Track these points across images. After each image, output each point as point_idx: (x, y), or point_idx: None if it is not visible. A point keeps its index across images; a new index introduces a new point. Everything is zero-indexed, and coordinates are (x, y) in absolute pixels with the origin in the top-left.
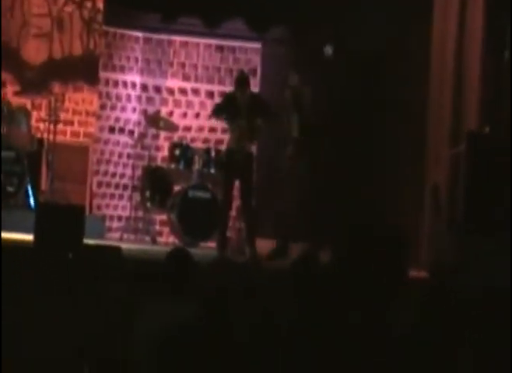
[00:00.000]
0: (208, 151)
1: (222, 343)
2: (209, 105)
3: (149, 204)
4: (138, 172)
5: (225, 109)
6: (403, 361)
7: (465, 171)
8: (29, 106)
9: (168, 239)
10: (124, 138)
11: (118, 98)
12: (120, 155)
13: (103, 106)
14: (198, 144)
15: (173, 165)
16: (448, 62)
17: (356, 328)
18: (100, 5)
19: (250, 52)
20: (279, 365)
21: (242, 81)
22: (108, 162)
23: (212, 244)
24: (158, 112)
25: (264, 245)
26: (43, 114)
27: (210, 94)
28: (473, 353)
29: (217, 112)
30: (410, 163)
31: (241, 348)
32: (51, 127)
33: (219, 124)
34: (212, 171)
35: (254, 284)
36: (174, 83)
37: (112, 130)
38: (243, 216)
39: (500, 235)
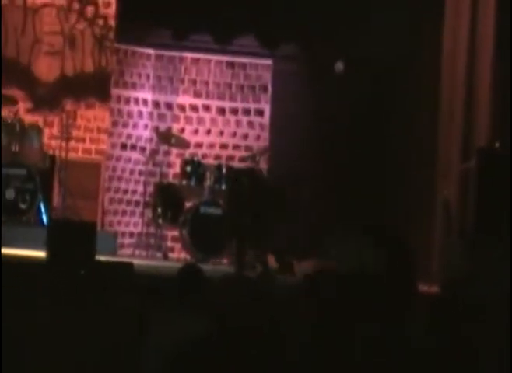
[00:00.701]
0: (219, 167)
1: (234, 357)
2: (220, 121)
3: (160, 221)
4: (150, 189)
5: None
6: None
7: (475, 185)
8: (41, 124)
9: (180, 255)
10: (135, 155)
11: (130, 115)
12: (131, 172)
13: (114, 123)
14: (210, 161)
15: (184, 182)
16: (459, 76)
17: (367, 341)
18: (112, 22)
19: (260, 68)
20: None
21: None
22: (120, 178)
23: (223, 260)
24: (169, 128)
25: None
26: (55, 131)
27: (221, 110)
28: (486, 365)
29: None
30: (421, 177)
31: (253, 363)
32: (63, 144)
33: (230, 141)
34: (224, 187)
35: (265, 299)
36: (185, 100)
37: (124, 147)
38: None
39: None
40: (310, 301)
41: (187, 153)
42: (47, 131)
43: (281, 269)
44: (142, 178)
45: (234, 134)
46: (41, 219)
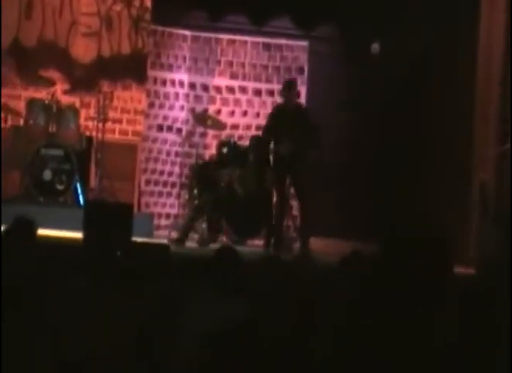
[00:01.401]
0: None
1: (269, 340)
2: (257, 103)
3: (196, 202)
4: (186, 170)
5: (271, 130)
6: (450, 359)
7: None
8: (78, 105)
9: None
10: (172, 136)
11: (166, 96)
12: (168, 153)
13: (151, 105)
14: (246, 142)
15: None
16: (495, 60)
17: (404, 327)
18: (148, 3)
19: (297, 50)
20: (329, 362)
21: (290, 87)
22: (156, 160)
23: (259, 242)
24: (205, 110)
25: (316, 243)
26: (91, 112)
27: (257, 92)
28: None
29: (265, 134)
30: (457, 161)
31: (289, 345)
32: (100, 125)
33: None
34: None
35: (303, 282)
36: (222, 81)
37: (160, 128)
38: (299, 215)
39: None
40: (347, 283)
41: (224, 135)
42: (83, 112)
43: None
44: (179, 159)
45: None
46: (78, 200)
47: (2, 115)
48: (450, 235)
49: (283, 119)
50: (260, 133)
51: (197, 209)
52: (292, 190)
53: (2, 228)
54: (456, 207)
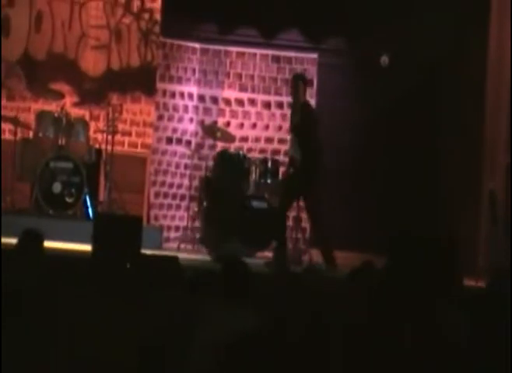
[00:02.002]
0: (264, 161)
1: (279, 350)
2: (266, 115)
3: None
4: (196, 183)
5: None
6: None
7: None
8: (87, 117)
9: None
10: (181, 149)
11: (175, 109)
12: (177, 166)
13: (160, 117)
14: (255, 155)
15: None
16: (505, 70)
17: (413, 335)
18: (158, 16)
19: (306, 62)
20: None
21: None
22: (165, 172)
23: (268, 254)
24: (215, 122)
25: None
26: (101, 125)
27: (267, 104)
28: None
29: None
30: (467, 170)
31: (299, 356)
32: (109, 137)
33: (276, 134)
34: (269, 181)
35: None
36: (231, 94)
37: (169, 140)
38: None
39: None
40: (358, 295)
41: (233, 147)
42: (93, 125)
43: (328, 262)
44: (188, 172)
45: (280, 128)
46: (87, 213)
47: (11, 127)
48: (460, 244)
49: (292, 124)
50: (268, 145)
51: None
52: (301, 203)
53: (12, 241)
54: (466, 216)
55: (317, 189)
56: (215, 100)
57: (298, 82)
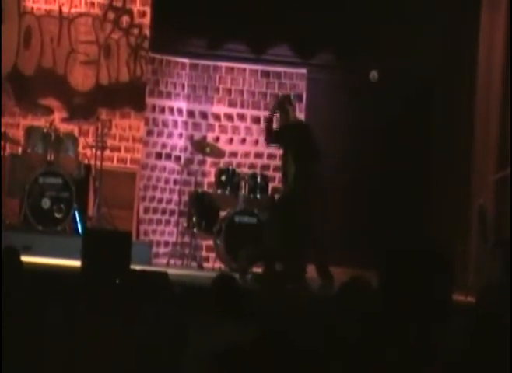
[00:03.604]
0: (254, 176)
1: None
2: (255, 130)
3: (195, 230)
4: (185, 198)
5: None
6: None
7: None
8: (76, 133)
9: (214, 265)
10: (170, 164)
11: (165, 124)
12: (166, 181)
13: (149, 132)
14: (244, 170)
15: (219, 191)
16: (495, 87)
17: (404, 352)
18: (147, 31)
19: (295, 77)
20: None
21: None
22: (155, 187)
23: (257, 269)
24: (204, 138)
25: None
26: (90, 140)
27: (256, 119)
28: None
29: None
30: (457, 186)
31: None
32: (98, 153)
33: (265, 149)
34: (258, 196)
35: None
36: (220, 109)
37: (159, 156)
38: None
39: None
40: (348, 311)
41: (222, 162)
42: (82, 140)
43: (324, 279)
44: (177, 187)
45: None
46: (76, 228)
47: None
48: (450, 259)
49: (288, 144)
50: (257, 160)
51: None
52: None
53: None
54: (456, 231)
55: (311, 205)
56: (204, 115)
57: (285, 104)
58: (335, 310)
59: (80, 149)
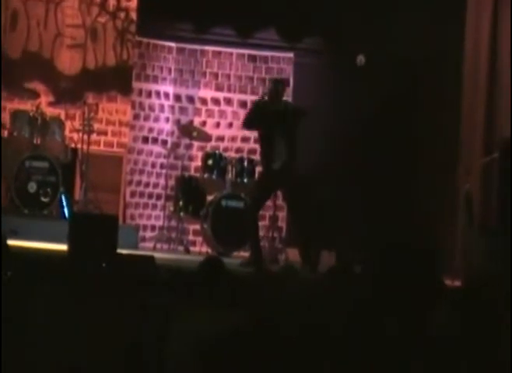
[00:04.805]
0: (241, 160)
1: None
2: (242, 114)
3: (182, 214)
4: (172, 182)
5: (257, 121)
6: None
7: (499, 178)
8: (63, 117)
9: (201, 249)
10: (157, 148)
11: (151, 108)
12: (153, 165)
13: (136, 116)
14: (231, 154)
15: (206, 175)
16: (481, 72)
17: (394, 338)
18: (134, 15)
19: (282, 62)
20: None
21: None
22: (141, 171)
23: (245, 253)
24: (191, 122)
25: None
26: (77, 124)
27: (243, 104)
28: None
29: (250, 125)
30: (444, 172)
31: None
32: (85, 137)
33: (252, 134)
34: (245, 180)
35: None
36: (207, 93)
37: (145, 140)
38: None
39: None
40: (335, 296)
41: (209, 146)
42: (68, 124)
43: (306, 262)
44: (164, 171)
45: None
46: (63, 212)
47: None
48: (438, 245)
49: (272, 122)
50: (244, 145)
51: None
52: (281, 202)
53: None
54: (442, 217)
55: (298, 188)
56: (191, 99)
57: (278, 86)
58: (322, 295)
59: (67, 133)
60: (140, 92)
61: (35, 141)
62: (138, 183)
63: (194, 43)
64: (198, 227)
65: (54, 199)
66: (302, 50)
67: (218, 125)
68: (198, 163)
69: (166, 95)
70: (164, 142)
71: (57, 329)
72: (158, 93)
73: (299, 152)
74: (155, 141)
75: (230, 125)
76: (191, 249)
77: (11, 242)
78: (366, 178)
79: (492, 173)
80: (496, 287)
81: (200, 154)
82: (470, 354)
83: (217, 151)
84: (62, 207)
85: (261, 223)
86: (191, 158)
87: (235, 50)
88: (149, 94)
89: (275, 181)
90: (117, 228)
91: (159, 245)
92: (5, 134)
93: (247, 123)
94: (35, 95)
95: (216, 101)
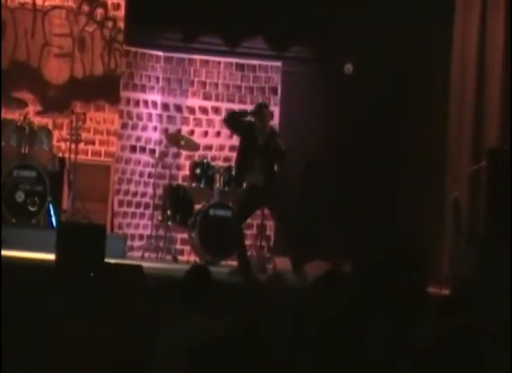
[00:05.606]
0: (229, 169)
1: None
2: None
3: (170, 223)
4: (160, 191)
5: (241, 126)
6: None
7: (486, 186)
8: (50, 126)
9: (189, 258)
10: (145, 157)
11: (139, 117)
12: (141, 174)
13: (124, 126)
14: (219, 163)
15: (194, 184)
16: (469, 80)
17: (380, 343)
18: (121, 24)
19: (270, 70)
20: None
21: (263, 109)
22: (129, 181)
23: (233, 262)
24: (179, 131)
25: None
26: (64, 134)
27: None
28: (498, 368)
29: (232, 124)
30: (431, 180)
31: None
32: (73, 146)
33: None
34: (233, 189)
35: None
36: (195, 102)
37: (133, 149)
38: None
39: None
40: (322, 303)
41: (197, 155)
42: (56, 134)
43: (297, 271)
44: (152, 180)
45: None
46: (51, 222)
47: None
48: (425, 252)
49: (256, 143)
50: (232, 153)
51: None
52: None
53: None
54: (430, 225)
55: (284, 197)
56: (179, 108)
57: (264, 110)
58: (310, 303)
59: (54, 142)
60: (128, 101)
61: (23, 151)
62: (126, 192)
63: (182, 52)
64: (185, 236)
65: (41, 208)
66: (290, 58)
67: (206, 134)
68: (186, 172)
69: (154, 104)
70: (152, 151)
71: (45, 339)
72: (146, 102)
73: (288, 159)
74: (143, 150)
75: (218, 134)
76: (179, 258)
77: None
78: (354, 186)
79: (480, 182)
80: (484, 296)
81: (188, 163)
82: (455, 363)
83: (205, 160)
84: (50, 216)
85: (249, 232)
86: (178, 167)
87: (223, 59)
88: (137, 103)
89: (259, 197)
90: (104, 238)
91: (147, 255)
92: None
93: (231, 123)
94: (23, 104)
95: (204, 110)
